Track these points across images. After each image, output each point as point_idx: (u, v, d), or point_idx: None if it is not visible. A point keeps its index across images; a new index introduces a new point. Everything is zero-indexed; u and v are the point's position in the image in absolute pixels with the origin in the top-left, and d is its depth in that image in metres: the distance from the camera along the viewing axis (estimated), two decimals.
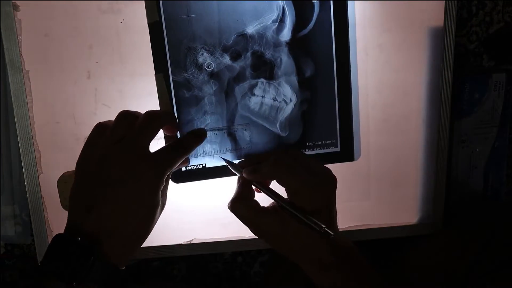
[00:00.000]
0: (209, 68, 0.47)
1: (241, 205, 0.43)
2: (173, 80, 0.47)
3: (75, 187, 0.40)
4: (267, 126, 0.49)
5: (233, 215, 0.43)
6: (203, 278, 0.60)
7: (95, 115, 0.49)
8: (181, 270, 0.60)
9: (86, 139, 0.41)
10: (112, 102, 0.49)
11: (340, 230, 0.53)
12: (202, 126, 0.48)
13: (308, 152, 0.50)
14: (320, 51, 0.48)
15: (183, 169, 0.49)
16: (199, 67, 0.47)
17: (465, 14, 0.57)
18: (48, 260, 0.37)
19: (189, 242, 0.52)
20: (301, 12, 0.47)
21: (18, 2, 0.47)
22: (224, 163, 0.48)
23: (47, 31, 0.47)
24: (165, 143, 0.48)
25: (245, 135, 0.49)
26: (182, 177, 0.50)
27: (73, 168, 0.50)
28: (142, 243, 0.41)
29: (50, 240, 0.51)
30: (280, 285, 0.60)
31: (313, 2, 0.47)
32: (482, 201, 0.60)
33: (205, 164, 0.49)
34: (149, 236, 0.40)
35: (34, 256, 0.52)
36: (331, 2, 0.48)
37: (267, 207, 0.44)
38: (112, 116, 0.42)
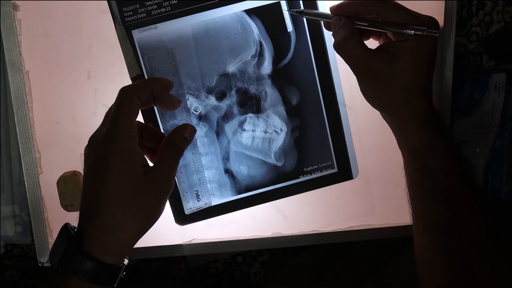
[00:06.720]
0: (197, 111, 0.48)
1: (355, 43, 0.41)
2: (163, 128, 0.48)
3: (83, 184, 0.40)
4: (262, 158, 0.49)
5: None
6: (203, 278, 0.60)
7: (95, 115, 0.49)
8: (181, 270, 0.60)
9: None
10: (112, 102, 0.48)
11: (340, 230, 0.53)
12: (198, 167, 0.48)
13: (306, 177, 0.50)
14: (303, 78, 0.49)
15: (186, 212, 0.50)
16: (187, 111, 0.47)
17: (465, 14, 0.57)
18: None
19: (189, 242, 0.52)
20: (279, 43, 0.48)
21: (18, 2, 0.47)
22: (225, 200, 0.49)
23: (47, 31, 0.47)
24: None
25: (242, 170, 0.49)
26: (187, 219, 0.50)
27: (73, 168, 0.50)
28: (137, 240, 0.40)
29: (50, 240, 0.51)
30: (280, 285, 0.61)
31: (289, 32, 0.47)
32: None
33: (208, 203, 0.50)
34: (149, 236, 0.40)
35: (34, 256, 0.52)
36: (307, 29, 0.47)
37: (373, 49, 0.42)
38: None
